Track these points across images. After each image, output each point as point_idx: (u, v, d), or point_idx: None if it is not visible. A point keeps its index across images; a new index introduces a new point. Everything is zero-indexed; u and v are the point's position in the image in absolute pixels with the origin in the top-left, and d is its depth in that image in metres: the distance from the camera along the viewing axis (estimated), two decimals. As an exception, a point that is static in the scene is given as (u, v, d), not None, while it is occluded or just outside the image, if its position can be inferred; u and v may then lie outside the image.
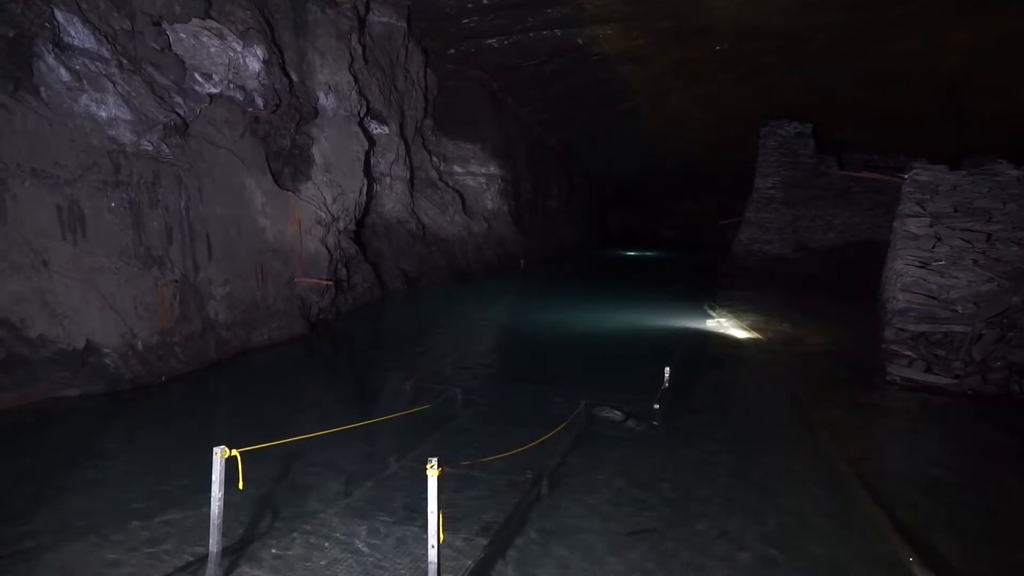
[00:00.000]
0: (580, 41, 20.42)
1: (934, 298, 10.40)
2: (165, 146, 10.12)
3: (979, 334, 9.78)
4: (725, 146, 29.81)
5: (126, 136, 9.51)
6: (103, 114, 9.25)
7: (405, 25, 19.10)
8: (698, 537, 5.37)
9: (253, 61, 11.97)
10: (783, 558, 5.05)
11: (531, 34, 20.14)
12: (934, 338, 10.18)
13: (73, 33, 9.02)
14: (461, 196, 23.70)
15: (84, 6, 9.19)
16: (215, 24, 11.24)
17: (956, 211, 10.69)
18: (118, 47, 9.62)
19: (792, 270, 23.42)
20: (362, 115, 16.06)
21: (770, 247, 25.64)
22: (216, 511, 4.41)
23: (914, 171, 11.45)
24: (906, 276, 10.67)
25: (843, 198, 24.96)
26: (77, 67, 9.00)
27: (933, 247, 10.62)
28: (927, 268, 10.55)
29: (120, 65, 9.56)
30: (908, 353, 10.06)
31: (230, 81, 11.57)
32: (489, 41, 20.91)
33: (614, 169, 38.95)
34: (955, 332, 10.07)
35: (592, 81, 23.83)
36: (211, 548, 4.45)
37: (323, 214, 13.94)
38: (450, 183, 23.60)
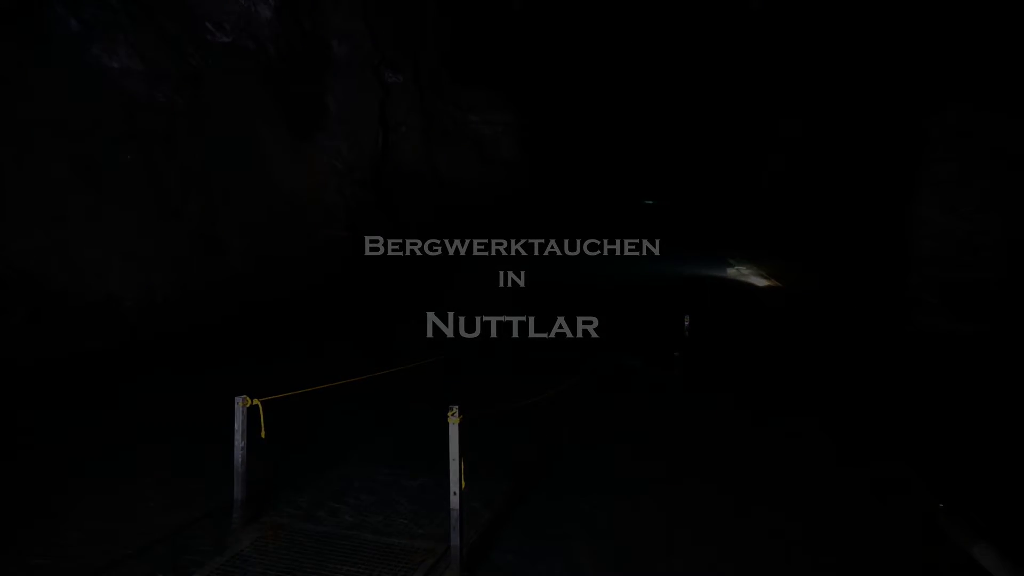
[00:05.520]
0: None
1: (962, 244, 10.16)
2: (179, 97, 10.01)
3: (1009, 280, 9.58)
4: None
5: (139, 87, 9.40)
6: (115, 65, 9.13)
7: (419, -32, 18.61)
8: (714, 482, 5.38)
9: (264, 9, 11.72)
10: (795, 506, 5.04)
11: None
12: (961, 284, 9.99)
13: (81, -19, 8.86)
14: (478, 144, 23.37)
15: (91, -47, 8.99)
16: (224, -30, 10.99)
17: (988, 154, 10.35)
18: (127, -5, 9.44)
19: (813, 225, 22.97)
20: (376, 63, 15.77)
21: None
22: (239, 460, 4.45)
23: (943, 113, 11.06)
24: (932, 222, 10.41)
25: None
26: (87, 16, 8.85)
27: (962, 192, 10.32)
28: (955, 214, 10.28)
29: (130, 14, 9.39)
30: (933, 299, 9.89)
31: (242, 30, 11.36)
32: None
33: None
34: (984, 278, 9.86)
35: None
36: (235, 496, 4.50)
37: (339, 164, 13.82)
38: (466, 132, 23.25)
